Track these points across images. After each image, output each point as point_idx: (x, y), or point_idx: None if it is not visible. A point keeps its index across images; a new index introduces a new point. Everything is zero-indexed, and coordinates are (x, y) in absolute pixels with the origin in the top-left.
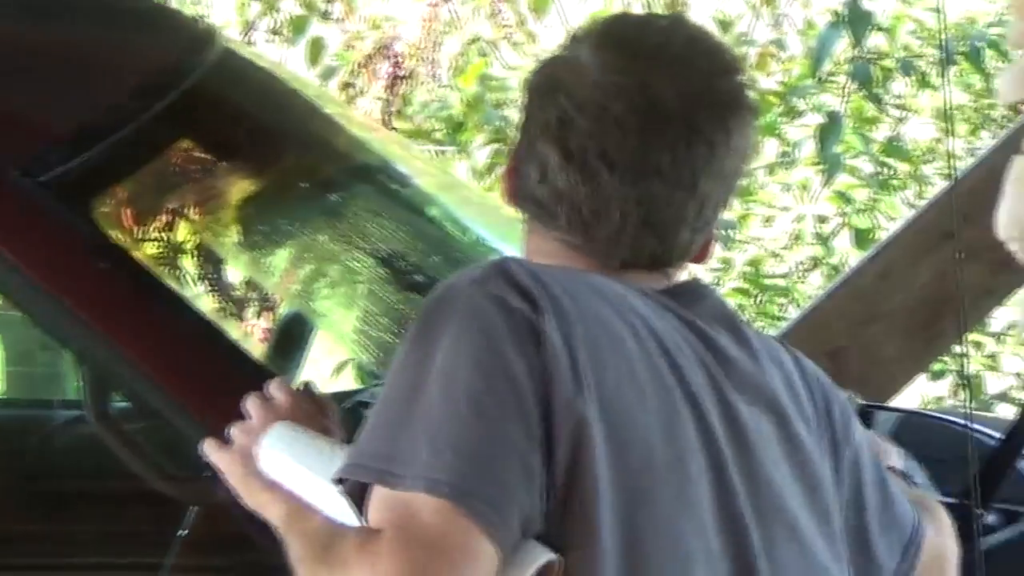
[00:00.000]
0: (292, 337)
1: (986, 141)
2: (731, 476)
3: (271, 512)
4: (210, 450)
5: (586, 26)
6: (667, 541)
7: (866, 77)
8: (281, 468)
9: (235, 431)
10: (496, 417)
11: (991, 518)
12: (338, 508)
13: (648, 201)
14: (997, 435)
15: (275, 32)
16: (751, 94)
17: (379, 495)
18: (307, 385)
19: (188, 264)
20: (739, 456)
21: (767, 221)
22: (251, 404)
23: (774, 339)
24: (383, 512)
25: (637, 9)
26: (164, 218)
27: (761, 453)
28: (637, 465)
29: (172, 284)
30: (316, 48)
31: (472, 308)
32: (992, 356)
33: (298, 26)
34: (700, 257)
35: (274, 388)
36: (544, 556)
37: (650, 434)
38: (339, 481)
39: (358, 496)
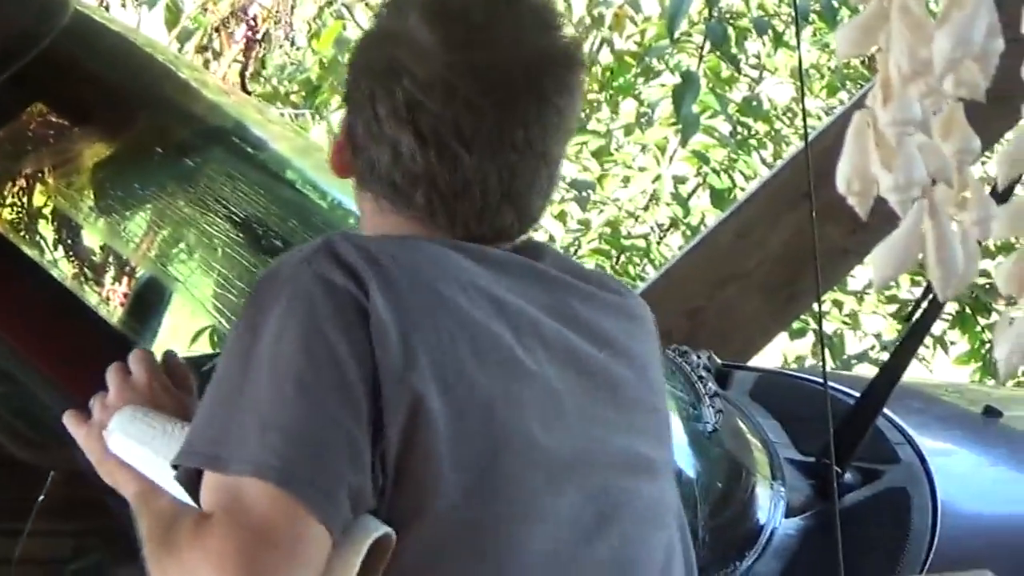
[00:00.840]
0: (149, 302)
1: (844, 101)
2: (580, 427)
3: (126, 490)
4: (70, 424)
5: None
6: (514, 502)
7: (721, 37)
8: (128, 452)
9: (94, 406)
10: (321, 398)
11: (849, 476)
12: (182, 493)
13: (507, 175)
14: (855, 394)
15: None
16: (578, 48)
17: (210, 479)
18: (168, 355)
19: (44, 229)
20: (589, 406)
21: (625, 182)
22: (110, 377)
23: (611, 279)
24: (213, 496)
25: None
26: (19, 183)
27: (611, 400)
28: (478, 429)
29: (28, 249)
30: (173, 12)
31: (297, 289)
32: (852, 315)
33: None
34: None
35: (133, 361)
36: (377, 530)
37: (491, 397)
38: (176, 467)
39: (195, 480)
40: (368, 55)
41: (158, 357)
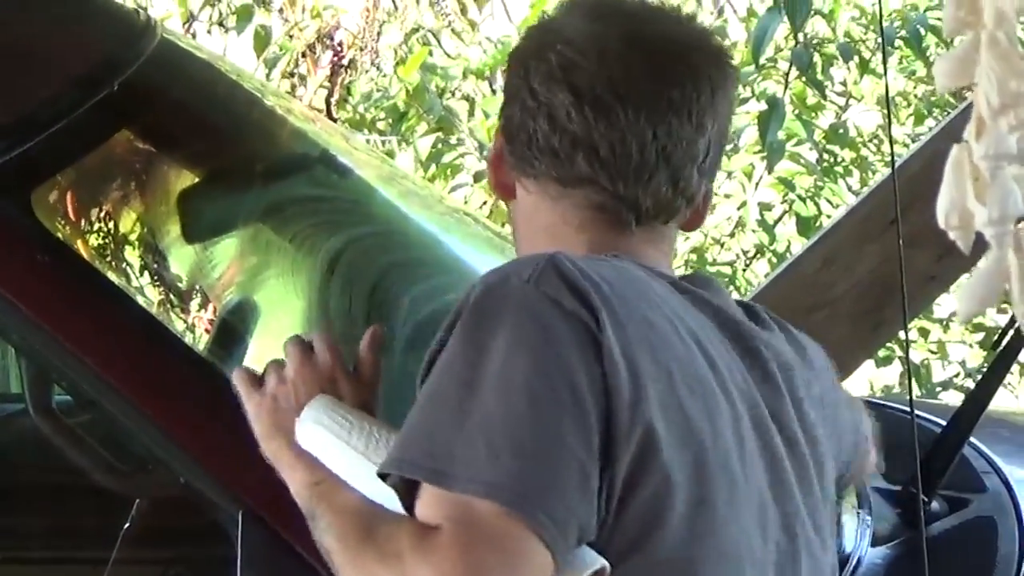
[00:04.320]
0: (234, 330)
1: (930, 128)
2: (762, 470)
3: (295, 475)
4: (241, 385)
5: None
6: (722, 544)
7: (807, 63)
8: (318, 444)
9: (270, 375)
10: (556, 424)
11: (936, 505)
12: (376, 492)
13: (664, 135)
14: (942, 422)
15: (218, 23)
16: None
17: (433, 493)
18: (373, 334)
19: (130, 256)
20: (766, 447)
21: (710, 208)
22: (289, 351)
23: (782, 321)
24: (438, 510)
25: None
26: (105, 210)
27: (781, 441)
28: (695, 465)
29: (114, 276)
30: (262, 38)
31: (528, 308)
32: (939, 344)
33: (243, 15)
34: (695, 222)
35: (318, 343)
36: (596, 563)
37: (702, 436)
38: (383, 474)
39: (403, 491)
40: (523, 43)
41: None
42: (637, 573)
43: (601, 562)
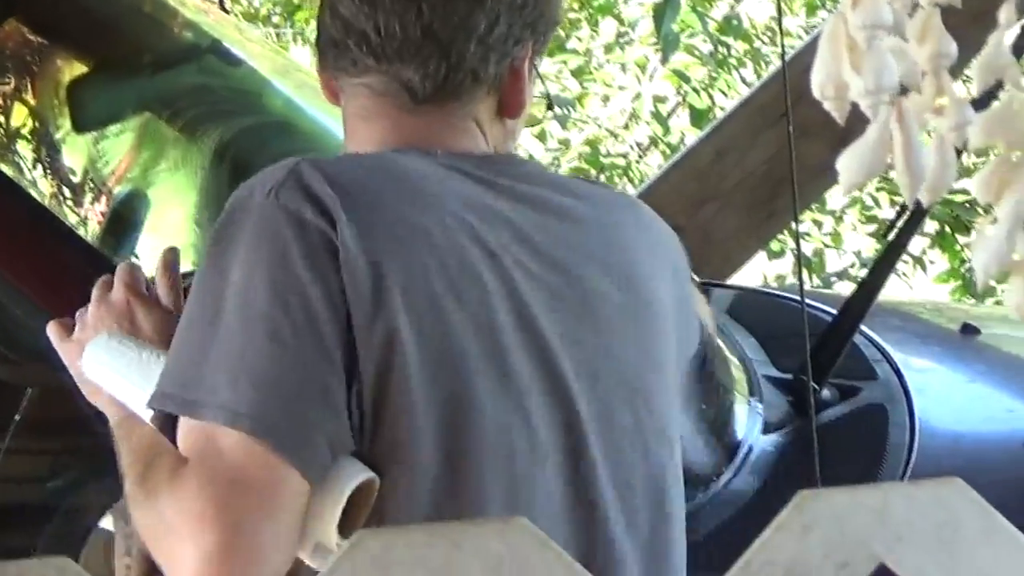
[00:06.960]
0: (126, 221)
1: (823, 19)
2: (555, 352)
3: (107, 413)
4: (53, 336)
5: None
6: (491, 439)
7: None
8: (104, 380)
9: (78, 322)
10: (293, 343)
11: (827, 393)
12: None
13: (428, 11)
14: (834, 311)
15: None
16: None
17: (185, 423)
18: (165, 257)
19: (22, 148)
20: (563, 324)
21: (605, 100)
22: (93, 292)
23: (607, 188)
24: (188, 442)
25: None
26: None
27: (589, 315)
28: (453, 367)
29: (6, 168)
30: None
31: (265, 224)
32: (835, 234)
33: None
34: (511, 106)
35: (116, 276)
36: (360, 475)
37: (465, 332)
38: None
39: (170, 422)
40: None
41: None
42: (402, 478)
43: (366, 474)
